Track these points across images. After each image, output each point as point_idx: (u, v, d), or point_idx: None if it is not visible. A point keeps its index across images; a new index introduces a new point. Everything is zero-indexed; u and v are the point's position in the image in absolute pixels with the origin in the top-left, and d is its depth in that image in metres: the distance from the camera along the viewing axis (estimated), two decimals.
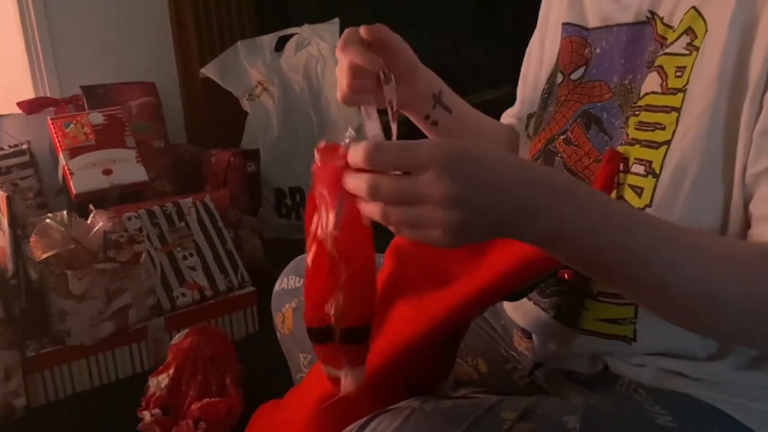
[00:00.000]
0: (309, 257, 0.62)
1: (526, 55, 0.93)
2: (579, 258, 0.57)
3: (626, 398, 0.70)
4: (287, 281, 1.04)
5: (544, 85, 0.86)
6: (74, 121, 1.79)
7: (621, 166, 0.69)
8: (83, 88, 1.94)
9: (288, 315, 1.02)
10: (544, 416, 0.64)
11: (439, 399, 0.68)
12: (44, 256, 1.38)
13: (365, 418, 0.67)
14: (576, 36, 0.80)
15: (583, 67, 0.78)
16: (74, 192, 1.72)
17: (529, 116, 0.88)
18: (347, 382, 0.63)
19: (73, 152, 1.75)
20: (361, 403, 0.73)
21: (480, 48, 2.86)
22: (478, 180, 0.52)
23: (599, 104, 0.75)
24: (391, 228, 0.55)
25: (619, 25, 0.74)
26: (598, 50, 0.77)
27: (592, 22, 0.78)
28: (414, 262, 0.79)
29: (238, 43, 2.24)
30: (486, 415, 0.63)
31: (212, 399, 1.27)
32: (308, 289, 0.64)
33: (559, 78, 0.81)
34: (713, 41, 0.64)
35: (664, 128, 0.65)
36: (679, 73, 0.66)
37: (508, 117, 0.97)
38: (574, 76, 0.79)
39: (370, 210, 0.55)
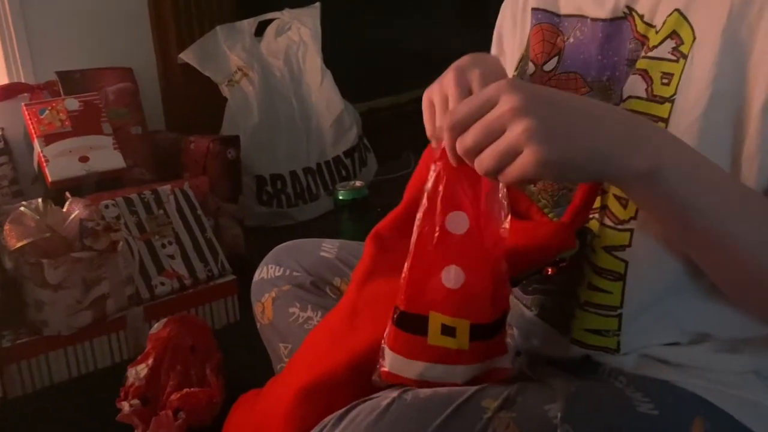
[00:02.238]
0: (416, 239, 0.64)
1: (497, 25, 0.91)
2: (669, 199, 0.58)
3: (608, 385, 0.70)
4: (267, 271, 1.03)
5: (514, 71, 0.84)
6: (49, 108, 1.76)
7: None
8: (59, 73, 1.91)
9: (268, 305, 1.01)
10: (526, 405, 0.64)
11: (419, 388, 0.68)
12: (19, 244, 1.35)
13: (345, 408, 0.66)
14: (547, 23, 0.78)
15: (556, 57, 0.77)
16: (50, 179, 1.69)
17: None
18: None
19: (49, 139, 1.72)
20: (341, 391, 0.73)
21: (464, 35, 2.85)
22: (542, 89, 0.57)
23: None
24: (500, 178, 0.57)
25: (595, 20, 0.73)
26: (571, 39, 0.76)
27: (564, 8, 0.77)
28: (394, 249, 0.79)
29: (218, 27, 2.21)
30: (466, 404, 0.62)
31: (192, 389, 1.26)
32: (412, 272, 0.65)
33: (531, 68, 0.80)
34: (703, 51, 0.63)
35: None
36: (665, 80, 0.64)
37: None
38: (547, 67, 0.78)
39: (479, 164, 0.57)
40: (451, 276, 0.63)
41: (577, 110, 0.57)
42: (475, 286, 0.64)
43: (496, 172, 0.57)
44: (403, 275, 0.66)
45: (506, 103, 0.55)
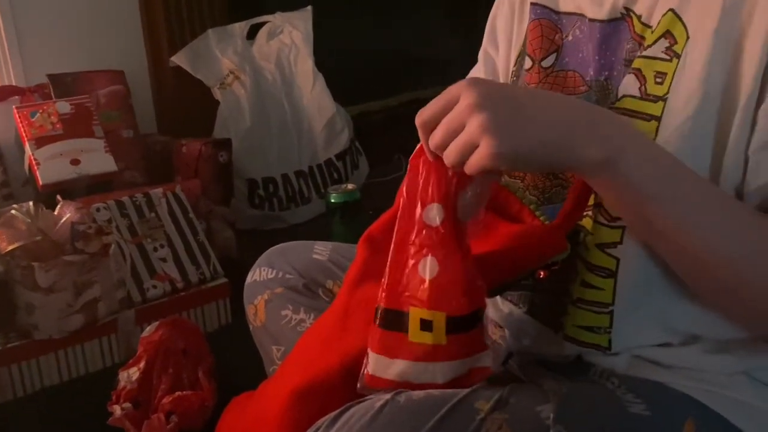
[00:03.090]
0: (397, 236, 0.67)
1: (492, 16, 0.91)
2: (628, 189, 0.60)
3: (600, 386, 0.70)
4: (260, 273, 1.03)
5: (512, 66, 0.85)
6: (40, 110, 1.75)
7: None
8: (50, 76, 1.90)
9: (260, 307, 1.01)
10: (518, 406, 0.64)
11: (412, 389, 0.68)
12: (10, 248, 1.35)
13: (338, 411, 0.66)
14: (546, 19, 0.79)
15: (555, 54, 0.77)
16: (41, 182, 1.68)
17: None
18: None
19: (40, 142, 1.71)
20: (334, 393, 0.73)
21: (455, 38, 2.85)
22: (500, 86, 0.61)
23: (574, 97, 0.74)
24: (465, 169, 0.60)
25: (593, 21, 0.73)
26: (570, 37, 0.76)
27: (564, 5, 0.77)
28: (386, 251, 0.79)
29: (209, 31, 2.21)
30: (459, 406, 0.63)
31: (184, 392, 1.25)
32: (392, 268, 0.67)
33: (528, 63, 0.80)
34: (696, 51, 0.63)
35: None
36: (659, 79, 0.65)
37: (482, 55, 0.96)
38: (545, 63, 0.78)
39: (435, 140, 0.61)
40: (427, 266, 0.65)
41: (531, 103, 0.60)
42: (447, 275, 0.65)
43: (460, 164, 0.60)
44: (385, 272, 0.67)
45: (464, 99, 0.58)
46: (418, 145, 0.67)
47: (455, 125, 0.59)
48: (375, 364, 0.68)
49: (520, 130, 0.58)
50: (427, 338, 0.65)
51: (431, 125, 0.62)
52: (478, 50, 0.94)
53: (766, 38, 0.60)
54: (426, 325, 0.65)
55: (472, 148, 0.58)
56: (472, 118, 0.58)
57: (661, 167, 0.60)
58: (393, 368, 0.67)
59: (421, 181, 0.65)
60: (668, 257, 0.64)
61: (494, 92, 0.59)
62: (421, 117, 0.62)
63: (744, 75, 0.61)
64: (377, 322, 0.68)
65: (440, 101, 0.61)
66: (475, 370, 0.68)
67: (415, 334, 0.66)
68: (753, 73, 0.60)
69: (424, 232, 0.65)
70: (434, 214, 0.65)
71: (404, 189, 0.67)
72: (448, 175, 0.64)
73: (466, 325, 0.66)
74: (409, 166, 0.68)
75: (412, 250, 0.66)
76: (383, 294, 0.67)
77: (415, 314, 0.66)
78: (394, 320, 0.67)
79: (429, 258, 0.65)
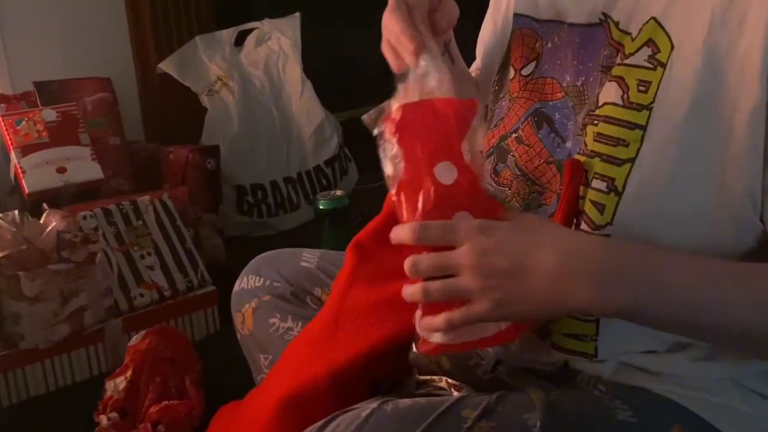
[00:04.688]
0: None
1: (480, 34, 0.92)
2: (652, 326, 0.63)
3: (587, 394, 0.70)
4: (247, 281, 1.03)
5: (494, 76, 0.85)
6: (26, 118, 1.74)
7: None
8: (36, 83, 1.89)
9: (248, 315, 1.00)
10: (505, 414, 0.64)
11: (399, 398, 0.68)
12: None
13: (325, 420, 0.66)
14: (527, 29, 0.79)
15: (534, 62, 0.78)
16: (27, 191, 1.67)
17: (486, 107, 0.88)
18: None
19: (26, 150, 1.70)
20: (322, 402, 0.73)
21: None
22: (508, 244, 0.60)
23: (551, 103, 0.75)
24: (429, 317, 0.63)
25: (572, 25, 0.73)
26: (549, 45, 0.76)
27: (544, 13, 0.78)
28: (375, 258, 0.79)
29: (197, 37, 2.20)
30: (446, 414, 0.63)
31: (171, 401, 1.25)
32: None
33: (511, 73, 0.80)
34: (683, 60, 0.63)
35: (627, 145, 0.65)
36: (642, 88, 0.65)
37: (473, 72, 0.97)
38: (525, 72, 0.78)
39: (410, 292, 0.63)
40: (446, 172, 0.64)
41: (538, 281, 0.60)
42: (466, 179, 0.64)
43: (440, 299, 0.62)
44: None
45: (468, 257, 0.60)
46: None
47: (448, 270, 0.61)
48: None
49: (524, 303, 0.60)
50: None
51: (425, 243, 0.62)
52: (464, 57, 0.94)
53: (763, 47, 0.60)
54: None
55: (461, 296, 0.61)
56: (473, 281, 0.60)
57: (677, 304, 0.60)
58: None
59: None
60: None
61: (500, 259, 0.60)
62: (418, 235, 0.62)
63: (742, 84, 0.61)
64: None
65: (445, 232, 0.61)
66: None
67: None
68: (755, 83, 0.60)
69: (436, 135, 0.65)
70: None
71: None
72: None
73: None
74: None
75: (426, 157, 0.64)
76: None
77: None
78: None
79: (445, 163, 0.64)
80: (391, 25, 0.72)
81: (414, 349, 0.70)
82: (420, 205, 0.63)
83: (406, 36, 0.70)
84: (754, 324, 0.59)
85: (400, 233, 0.63)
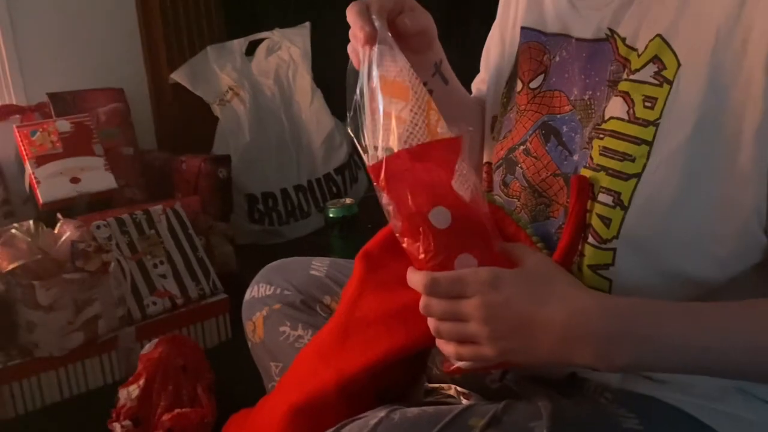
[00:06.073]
0: None
1: (486, 45, 0.93)
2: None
3: (593, 402, 0.71)
4: (258, 289, 1.04)
5: (503, 88, 0.86)
6: (41, 129, 1.76)
7: None
8: (50, 95, 1.92)
9: (259, 323, 1.01)
10: (512, 423, 0.64)
11: (407, 406, 0.68)
12: (10, 266, 1.36)
13: (333, 429, 0.67)
14: (534, 42, 0.80)
15: (542, 75, 0.78)
16: (41, 201, 1.69)
17: (494, 118, 0.88)
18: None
19: (40, 160, 1.73)
20: (331, 410, 0.73)
21: (448, 52, 2.87)
22: (515, 297, 0.63)
23: (559, 116, 0.75)
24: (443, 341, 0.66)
25: (579, 40, 0.74)
26: (557, 58, 0.77)
27: (551, 27, 0.78)
28: (384, 267, 0.79)
29: (208, 47, 2.23)
30: (453, 423, 0.63)
31: (184, 409, 1.26)
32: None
33: (519, 86, 0.81)
34: (689, 77, 0.64)
35: (633, 160, 0.65)
36: (648, 104, 0.65)
37: (476, 85, 0.98)
38: (533, 85, 0.79)
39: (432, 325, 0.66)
40: (440, 216, 0.65)
41: (543, 339, 0.62)
42: (461, 220, 0.66)
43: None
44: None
45: (477, 310, 0.62)
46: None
47: (459, 317, 0.64)
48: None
49: (527, 355, 0.63)
50: None
51: (437, 297, 0.65)
52: (472, 63, 0.95)
53: (765, 65, 0.60)
54: None
55: (470, 340, 0.64)
56: (481, 330, 0.63)
57: (676, 354, 0.61)
58: None
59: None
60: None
61: (508, 314, 0.62)
62: (429, 290, 0.64)
63: (747, 102, 0.61)
64: None
65: (454, 286, 0.64)
66: None
67: None
68: (760, 100, 0.60)
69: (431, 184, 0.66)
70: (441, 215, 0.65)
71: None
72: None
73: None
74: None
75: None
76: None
77: None
78: None
79: (440, 209, 0.65)
80: (348, 20, 0.72)
81: (436, 367, 0.72)
82: (422, 255, 0.65)
83: (357, 27, 0.71)
84: (752, 364, 0.62)
85: (413, 280, 0.66)
